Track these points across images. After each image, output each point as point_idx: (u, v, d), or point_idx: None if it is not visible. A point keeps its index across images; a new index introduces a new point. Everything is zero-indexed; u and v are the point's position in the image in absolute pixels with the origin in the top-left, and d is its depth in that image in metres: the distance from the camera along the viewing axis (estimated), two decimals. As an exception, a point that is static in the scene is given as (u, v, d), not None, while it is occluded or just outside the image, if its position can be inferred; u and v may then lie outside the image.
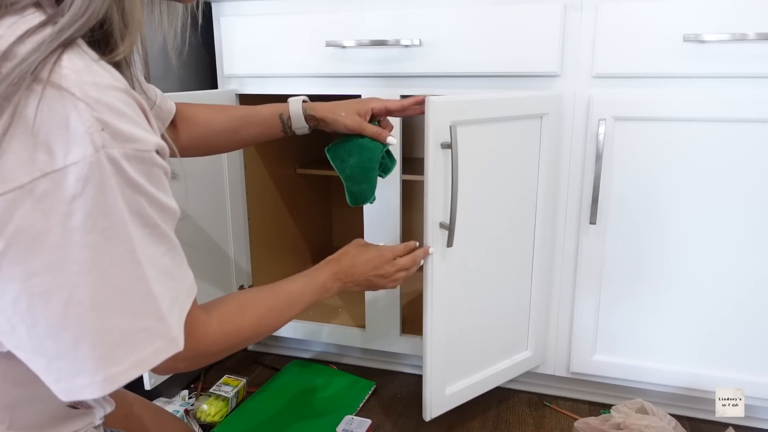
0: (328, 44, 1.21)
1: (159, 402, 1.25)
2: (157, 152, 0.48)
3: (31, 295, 0.43)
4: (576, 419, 1.14)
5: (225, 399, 1.27)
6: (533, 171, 1.14)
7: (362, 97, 1.23)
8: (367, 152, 0.98)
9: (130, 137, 0.44)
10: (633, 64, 1.07)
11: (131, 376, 0.48)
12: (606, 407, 1.28)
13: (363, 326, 1.39)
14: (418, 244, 1.01)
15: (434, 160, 0.97)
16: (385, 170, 1.04)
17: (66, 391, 0.46)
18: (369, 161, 0.98)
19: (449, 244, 1.00)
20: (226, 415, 1.26)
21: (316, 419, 1.24)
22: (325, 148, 1.01)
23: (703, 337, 1.15)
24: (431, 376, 1.07)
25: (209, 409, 1.24)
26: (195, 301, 0.60)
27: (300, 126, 0.99)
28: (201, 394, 1.31)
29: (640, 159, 1.10)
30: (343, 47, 1.21)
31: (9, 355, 0.48)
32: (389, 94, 1.22)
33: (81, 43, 0.45)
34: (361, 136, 0.98)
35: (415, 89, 1.21)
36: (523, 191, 1.13)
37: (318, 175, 1.80)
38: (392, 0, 1.18)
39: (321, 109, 0.98)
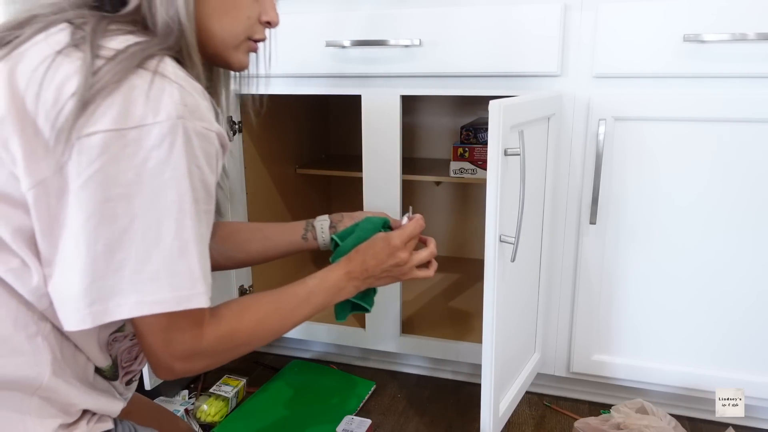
0: (328, 44, 1.21)
1: (159, 401, 1.25)
2: (218, 138, 0.62)
3: (102, 215, 0.55)
4: (576, 419, 1.14)
5: (225, 399, 1.27)
6: (542, 173, 1.13)
7: (362, 97, 1.24)
8: (368, 224, 0.95)
9: (201, 117, 0.59)
10: (633, 64, 1.07)
11: (154, 310, 0.57)
12: (606, 407, 1.28)
13: (363, 326, 1.39)
14: (411, 209, 0.97)
15: (500, 169, 0.91)
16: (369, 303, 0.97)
17: (97, 314, 0.56)
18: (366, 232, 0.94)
19: (513, 258, 0.96)
20: (226, 415, 1.26)
21: (316, 419, 1.24)
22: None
23: (702, 337, 1.15)
24: (490, 398, 1.02)
25: (209, 409, 1.24)
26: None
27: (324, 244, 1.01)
28: (201, 394, 1.31)
29: (640, 159, 1.10)
30: (343, 47, 1.21)
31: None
32: (389, 94, 1.22)
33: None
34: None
35: (415, 89, 1.21)
36: (536, 194, 1.13)
37: (318, 175, 1.80)
38: (393, 0, 1.18)
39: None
